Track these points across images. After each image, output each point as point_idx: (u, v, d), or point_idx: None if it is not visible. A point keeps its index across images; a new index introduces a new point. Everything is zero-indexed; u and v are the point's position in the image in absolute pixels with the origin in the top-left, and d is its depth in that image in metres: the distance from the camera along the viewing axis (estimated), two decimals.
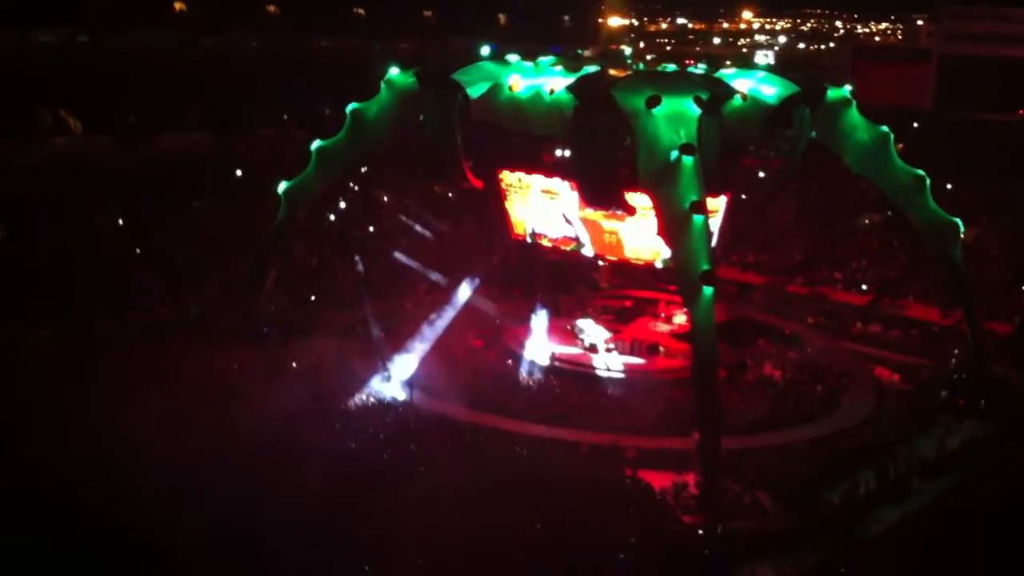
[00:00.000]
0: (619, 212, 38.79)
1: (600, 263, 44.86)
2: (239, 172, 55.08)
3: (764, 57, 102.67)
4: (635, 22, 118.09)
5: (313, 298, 46.88)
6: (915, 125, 67.60)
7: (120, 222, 51.24)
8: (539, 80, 37.15)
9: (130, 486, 27.56)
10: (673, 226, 32.36)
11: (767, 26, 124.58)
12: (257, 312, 43.24)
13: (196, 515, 26.37)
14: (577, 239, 42.23)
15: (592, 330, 44.55)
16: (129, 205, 51.30)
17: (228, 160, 55.15)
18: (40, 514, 26.31)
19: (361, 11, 65.50)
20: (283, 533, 25.93)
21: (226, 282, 45.82)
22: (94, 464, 28.27)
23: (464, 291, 44.51)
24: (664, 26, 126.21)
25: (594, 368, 42.26)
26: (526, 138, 38.84)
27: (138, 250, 48.89)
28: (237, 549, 25.43)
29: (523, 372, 41.55)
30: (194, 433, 30.76)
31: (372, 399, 37.97)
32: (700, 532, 29.19)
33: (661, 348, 44.16)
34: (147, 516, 26.39)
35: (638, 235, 39.50)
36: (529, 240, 43.44)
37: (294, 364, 40.03)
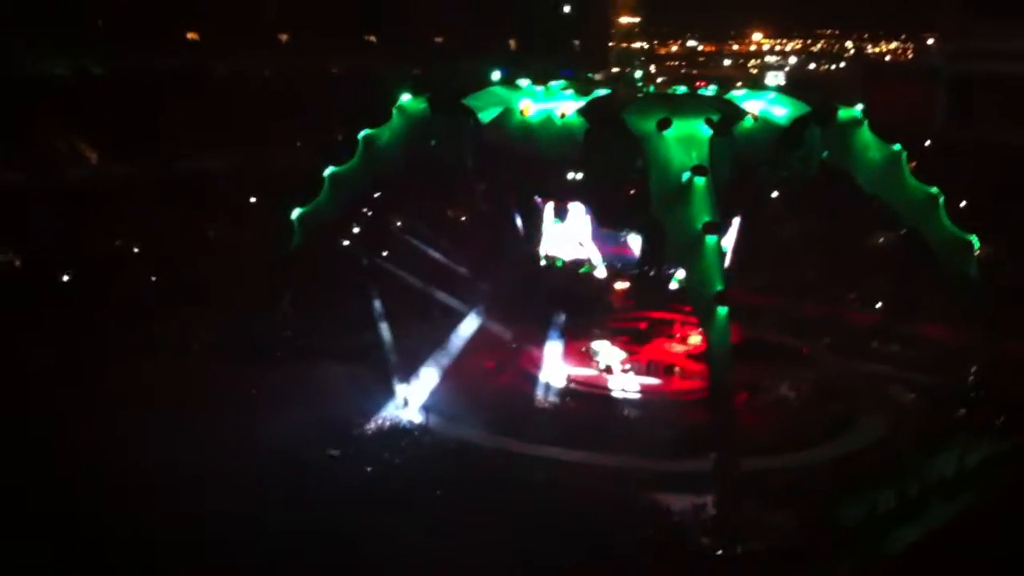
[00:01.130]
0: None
1: (615, 285, 44.89)
2: (253, 198, 55.33)
3: (775, 78, 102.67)
4: (645, 45, 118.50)
5: (327, 322, 47.01)
6: (927, 143, 67.38)
7: (136, 249, 51.70)
8: (550, 104, 37.34)
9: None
10: (686, 247, 32.39)
11: (777, 47, 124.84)
12: (272, 335, 43.34)
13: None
14: (589, 261, 42.33)
15: (607, 351, 44.53)
16: (144, 229, 51.69)
17: (241, 184, 55.44)
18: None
19: (373, 37, 65.92)
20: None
21: (241, 306, 45.98)
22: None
23: (478, 314, 44.57)
24: (674, 48, 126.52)
25: (610, 390, 42.21)
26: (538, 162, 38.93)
27: (153, 278, 49.19)
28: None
29: (539, 394, 41.51)
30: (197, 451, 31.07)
31: (387, 423, 37.99)
32: (719, 553, 29.08)
33: (676, 369, 44.10)
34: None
35: None
36: (544, 262, 43.56)
37: (307, 388, 40.04)
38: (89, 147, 52.70)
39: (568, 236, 42.61)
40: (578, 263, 42.85)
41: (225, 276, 48.63)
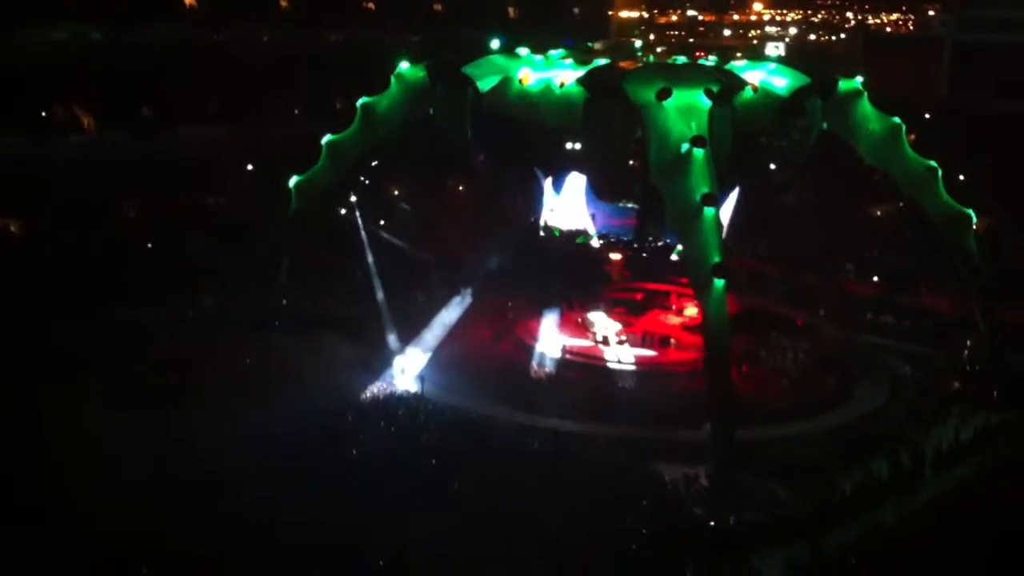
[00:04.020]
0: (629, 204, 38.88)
1: (612, 256, 44.85)
2: (251, 166, 55.16)
3: (775, 48, 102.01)
4: (645, 14, 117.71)
5: (325, 291, 46.98)
6: (927, 116, 67.14)
7: (133, 215, 51.58)
8: (550, 73, 37.19)
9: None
10: (684, 219, 32.39)
11: (778, 17, 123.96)
12: (270, 304, 43.35)
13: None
14: (586, 231, 42.29)
15: (604, 323, 44.57)
16: (143, 199, 51.56)
17: (240, 154, 55.24)
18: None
19: (371, 4, 65.47)
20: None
21: (240, 274, 45.90)
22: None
23: (476, 284, 44.57)
24: (674, 18, 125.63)
25: (606, 361, 42.27)
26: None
27: (149, 245, 49.09)
28: None
29: (535, 364, 41.58)
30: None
31: (384, 392, 38.05)
32: (712, 523, 29.22)
33: (672, 340, 44.17)
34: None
35: None
36: (543, 233, 43.54)
37: (304, 357, 40.07)
38: (87, 114, 52.37)
39: (567, 206, 42.49)
40: (576, 234, 42.74)
41: (223, 245, 48.59)
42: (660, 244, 40.77)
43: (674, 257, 39.88)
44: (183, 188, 51.27)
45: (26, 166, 46.62)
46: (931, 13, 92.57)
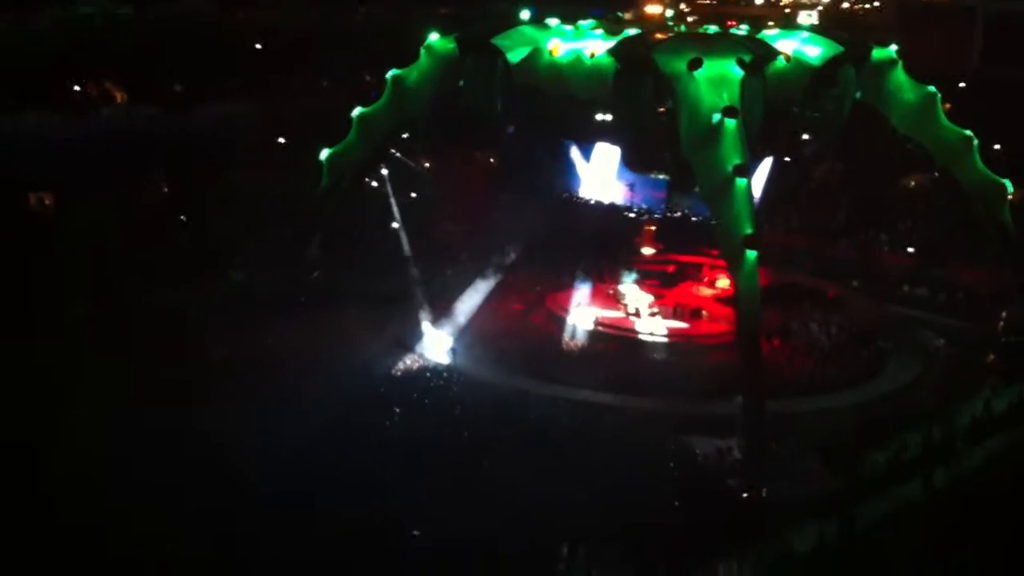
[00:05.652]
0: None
1: (644, 227, 44.69)
2: (281, 140, 55.29)
3: (808, 17, 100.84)
4: None
5: (356, 265, 47.10)
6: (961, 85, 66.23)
7: (165, 190, 51.82)
8: (579, 44, 36.99)
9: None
10: (716, 190, 32.21)
11: None
12: (300, 280, 43.50)
13: None
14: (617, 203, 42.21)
15: (635, 295, 44.47)
16: (174, 174, 51.80)
17: (270, 128, 55.37)
18: None
19: None
20: None
21: (269, 250, 46.09)
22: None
23: (507, 256, 44.56)
24: None
25: (637, 333, 42.23)
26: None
27: (183, 218, 49.32)
28: None
29: (567, 337, 41.57)
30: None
31: (416, 365, 38.20)
32: (744, 495, 29.22)
33: (704, 312, 44.02)
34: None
35: None
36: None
37: (334, 331, 40.17)
38: (117, 89, 52.67)
39: (598, 177, 42.37)
40: (609, 205, 42.64)
41: (253, 220, 48.76)
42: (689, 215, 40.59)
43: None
44: (211, 163, 51.46)
45: (54, 142, 46.98)
46: None
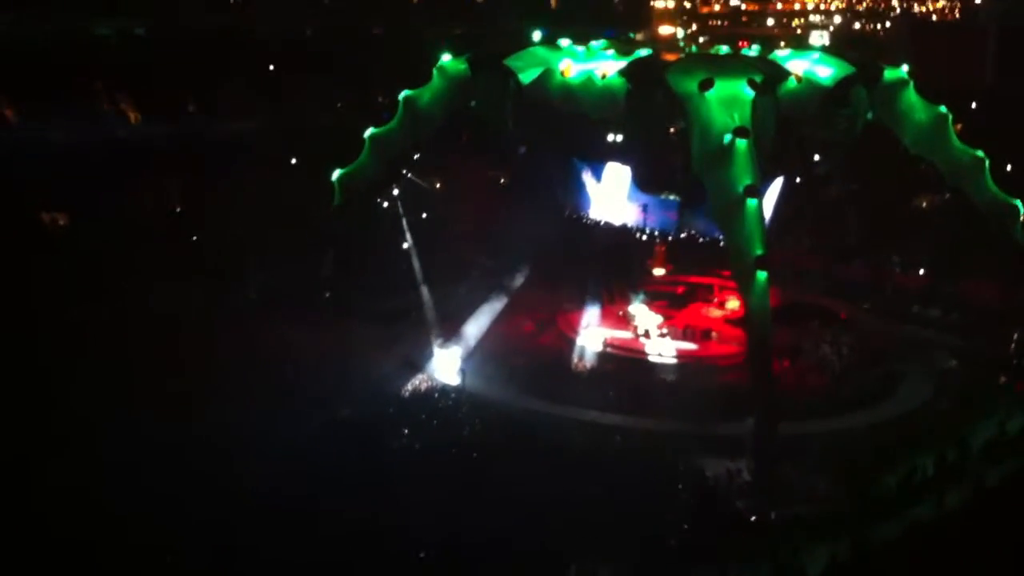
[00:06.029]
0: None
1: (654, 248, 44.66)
2: (294, 160, 55.50)
3: (819, 37, 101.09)
4: (687, 4, 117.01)
5: (367, 283, 47.14)
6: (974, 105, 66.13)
7: (177, 208, 52.08)
8: (591, 64, 37.05)
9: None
10: (726, 210, 32.19)
11: (822, 5, 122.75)
12: (312, 296, 43.54)
13: None
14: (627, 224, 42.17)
15: (645, 316, 44.40)
16: (186, 188, 52.05)
17: (283, 145, 55.57)
18: None
19: None
20: None
21: (281, 266, 46.18)
22: None
23: (517, 276, 44.55)
24: (716, 7, 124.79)
25: (647, 354, 42.14)
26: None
27: (195, 237, 49.51)
28: None
29: (576, 358, 41.51)
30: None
31: (425, 385, 38.17)
32: (753, 518, 29.06)
33: (714, 333, 43.93)
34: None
35: None
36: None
37: (346, 348, 40.19)
38: (131, 107, 53.01)
39: (609, 198, 42.35)
40: (619, 225, 42.60)
41: (264, 237, 48.85)
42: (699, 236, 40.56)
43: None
44: (223, 177, 51.64)
45: (68, 153, 47.30)
46: (977, 0, 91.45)
